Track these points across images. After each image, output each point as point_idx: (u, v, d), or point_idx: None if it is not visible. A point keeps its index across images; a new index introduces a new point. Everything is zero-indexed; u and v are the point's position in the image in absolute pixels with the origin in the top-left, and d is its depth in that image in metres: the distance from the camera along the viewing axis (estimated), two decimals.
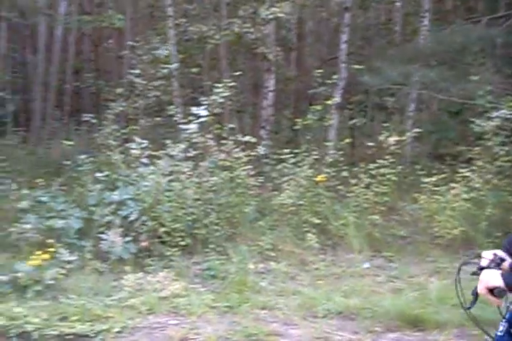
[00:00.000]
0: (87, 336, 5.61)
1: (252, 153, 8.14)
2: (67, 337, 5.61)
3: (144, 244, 7.28)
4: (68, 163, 9.07)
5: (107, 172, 8.08)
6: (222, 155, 7.88)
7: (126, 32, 16.12)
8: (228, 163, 7.97)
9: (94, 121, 9.36)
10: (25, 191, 8.26)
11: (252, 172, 8.07)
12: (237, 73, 8.91)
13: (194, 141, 7.88)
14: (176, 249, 7.25)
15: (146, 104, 10.30)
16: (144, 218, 7.39)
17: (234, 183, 7.99)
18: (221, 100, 8.18)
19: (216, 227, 7.58)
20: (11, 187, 8.55)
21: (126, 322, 5.83)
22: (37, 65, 17.52)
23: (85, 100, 19.24)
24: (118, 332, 5.69)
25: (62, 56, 17.48)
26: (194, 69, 11.59)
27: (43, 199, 7.94)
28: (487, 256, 2.77)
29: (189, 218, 7.48)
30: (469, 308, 2.81)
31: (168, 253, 7.21)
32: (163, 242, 7.38)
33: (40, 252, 6.71)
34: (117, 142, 8.51)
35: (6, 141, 13.29)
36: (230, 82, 8.39)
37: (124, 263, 7.09)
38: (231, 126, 8.54)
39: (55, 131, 15.64)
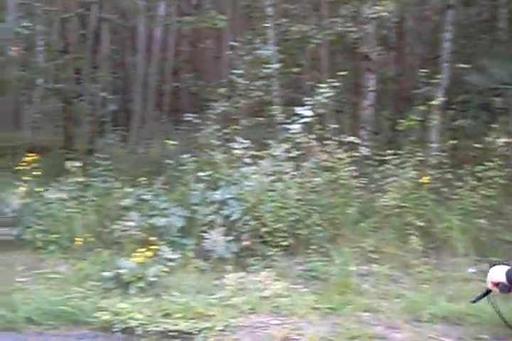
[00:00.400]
0: (189, 333, 5.68)
1: (355, 154, 8.04)
2: (171, 333, 5.69)
3: (245, 243, 7.30)
4: (170, 162, 9.20)
5: (209, 172, 8.14)
6: (325, 156, 7.81)
7: (225, 32, 16.26)
8: (330, 164, 7.90)
9: (196, 120, 9.45)
10: (128, 189, 8.42)
11: (355, 174, 7.97)
12: (342, 73, 8.79)
13: (297, 141, 7.84)
14: (277, 249, 7.24)
15: (248, 103, 10.32)
16: (246, 218, 7.42)
17: (336, 184, 7.91)
18: (325, 100, 8.13)
19: (318, 228, 7.51)
20: (114, 185, 8.71)
21: (229, 321, 5.87)
22: (136, 66, 17.91)
23: (183, 100, 19.52)
24: (220, 330, 5.73)
25: (160, 57, 17.81)
26: (295, 69, 11.52)
27: (146, 197, 8.08)
28: None
29: (291, 218, 7.45)
30: (474, 302, 3.02)
31: (270, 253, 7.21)
32: (264, 242, 7.39)
33: (143, 249, 6.83)
34: (219, 142, 8.57)
35: (106, 140, 13.63)
36: (333, 82, 8.33)
37: (225, 262, 7.14)
38: (334, 126, 8.46)
39: (154, 130, 15.93)
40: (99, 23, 16.72)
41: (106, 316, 5.87)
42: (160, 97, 17.96)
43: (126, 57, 20.61)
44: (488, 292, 2.91)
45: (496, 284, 2.80)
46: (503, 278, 2.77)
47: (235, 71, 10.37)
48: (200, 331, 5.68)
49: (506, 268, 2.79)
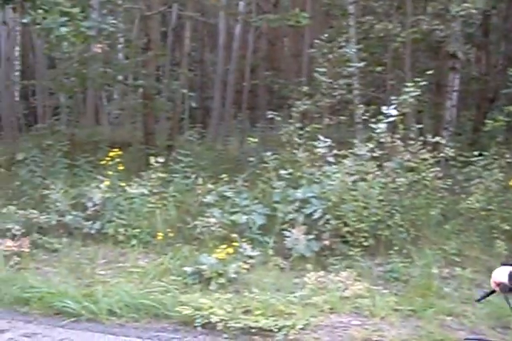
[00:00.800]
0: (270, 331, 5.69)
1: (440, 155, 7.88)
2: (251, 330, 5.71)
3: (326, 242, 7.26)
4: (250, 159, 9.21)
5: (290, 170, 8.11)
6: (408, 156, 7.68)
7: (305, 30, 16.21)
8: (414, 164, 7.76)
9: (278, 118, 9.44)
10: (209, 186, 8.47)
11: (440, 175, 7.81)
12: (428, 72, 8.64)
13: (381, 140, 7.73)
14: (358, 249, 7.15)
15: (330, 102, 10.25)
16: (327, 217, 7.36)
17: (419, 185, 7.77)
18: (411, 100, 7.99)
19: (400, 229, 7.40)
20: (196, 181, 8.78)
21: (309, 320, 5.86)
22: (215, 63, 18.05)
23: (260, 98, 19.57)
24: (301, 328, 5.73)
25: (239, 54, 17.89)
26: (378, 68, 11.38)
27: (228, 194, 8.12)
28: None
29: (373, 218, 7.35)
30: (479, 300, 3.23)
31: (351, 253, 7.13)
32: (345, 242, 7.32)
33: (224, 246, 6.87)
34: (301, 140, 8.53)
35: (185, 137, 13.77)
36: (420, 81, 8.18)
37: (305, 261, 7.12)
38: (419, 126, 8.32)
39: (232, 127, 16.04)
40: (180, 20, 16.93)
41: (187, 311, 5.94)
42: (237, 95, 18.05)
43: (204, 54, 20.83)
44: (492, 291, 3.02)
45: (498, 284, 2.91)
46: (505, 279, 2.86)
47: (318, 69, 10.29)
48: (280, 329, 5.68)
49: (510, 268, 2.87)
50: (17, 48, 18.71)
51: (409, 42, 11.15)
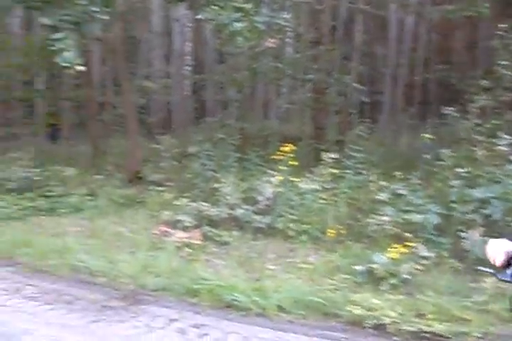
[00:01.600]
0: (444, 336, 5.43)
1: None
2: (424, 334, 5.48)
3: None
4: (425, 156, 8.90)
5: (468, 168, 7.75)
6: None
7: (479, 21, 15.55)
8: None
9: (454, 114, 9.05)
10: (382, 183, 8.27)
11: None
12: None
13: None
14: None
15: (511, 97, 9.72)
16: (508, 218, 6.96)
17: None
18: None
19: None
20: (369, 178, 8.60)
21: (488, 328, 5.51)
22: (385, 57, 17.73)
23: (431, 92, 19.00)
24: (478, 337, 5.40)
25: (410, 47, 17.50)
26: None
27: (401, 192, 7.88)
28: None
29: None
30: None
31: None
32: None
33: (396, 245, 6.66)
34: (480, 137, 8.13)
35: (356, 132, 13.58)
36: None
37: (483, 265, 6.74)
38: None
39: (402, 123, 15.67)
40: (351, 13, 16.76)
41: (357, 310, 5.79)
42: (407, 89, 17.64)
43: (374, 47, 20.53)
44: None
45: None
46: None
47: (500, 62, 9.76)
48: (455, 335, 5.41)
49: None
50: (189, 44, 19.29)
51: None
